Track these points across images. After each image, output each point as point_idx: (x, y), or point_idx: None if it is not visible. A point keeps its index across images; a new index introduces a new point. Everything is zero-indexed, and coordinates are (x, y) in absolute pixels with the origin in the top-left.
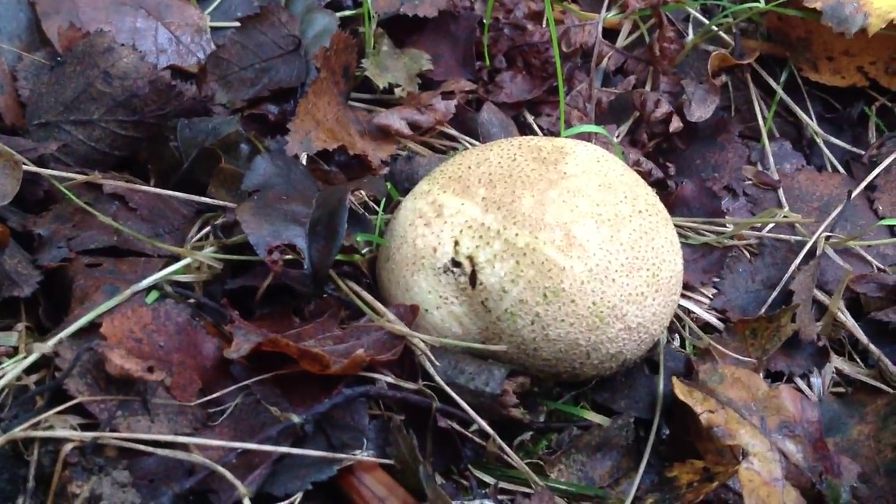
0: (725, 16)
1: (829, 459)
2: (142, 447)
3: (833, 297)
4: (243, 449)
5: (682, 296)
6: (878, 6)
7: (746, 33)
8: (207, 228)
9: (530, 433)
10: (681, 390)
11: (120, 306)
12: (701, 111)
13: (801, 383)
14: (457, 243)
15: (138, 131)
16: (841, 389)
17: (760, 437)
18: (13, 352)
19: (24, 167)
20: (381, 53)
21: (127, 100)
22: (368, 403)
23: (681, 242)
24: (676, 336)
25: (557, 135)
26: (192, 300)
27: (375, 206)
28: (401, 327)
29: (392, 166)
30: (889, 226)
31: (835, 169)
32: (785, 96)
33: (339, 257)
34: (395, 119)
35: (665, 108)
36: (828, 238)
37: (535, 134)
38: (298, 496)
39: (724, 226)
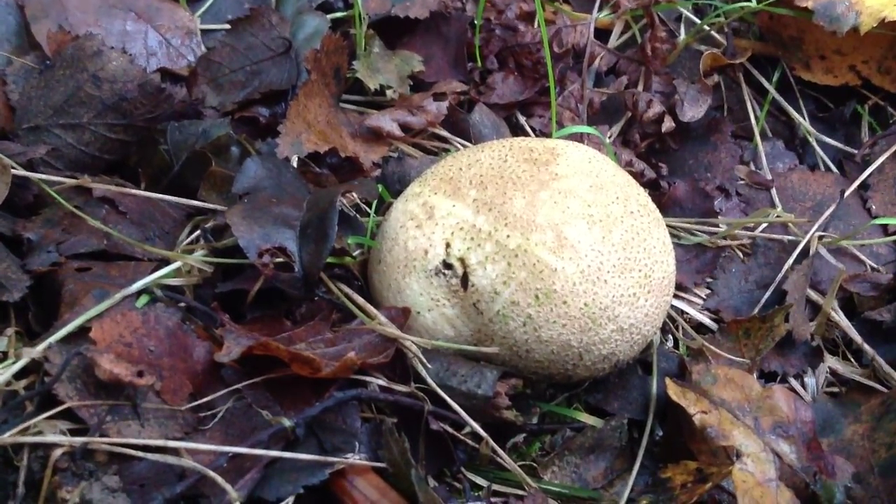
0: (717, 15)
1: (824, 459)
2: (132, 452)
3: (826, 296)
4: (234, 453)
5: (675, 296)
6: (869, 5)
7: (738, 33)
8: (198, 232)
9: (523, 435)
10: (674, 391)
11: (110, 311)
12: (693, 111)
13: (795, 383)
14: (448, 245)
15: (128, 135)
16: (835, 389)
17: (754, 437)
18: (2, 357)
19: (14, 171)
20: (372, 55)
21: (116, 103)
22: (360, 406)
23: (673, 243)
24: (669, 337)
25: (549, 136)
26: (182, 304)
27: (367, 208)
28: (392, 330)
29: (383, 168)
30: (882, 225)
31: (827, 168)
32: (777, 96)
33: (330, 260)
34: (386, 121)
35: (657, 108)
36: (821, 237)
37: (527, 135)
38: (290, 500)
39: (717, 226)
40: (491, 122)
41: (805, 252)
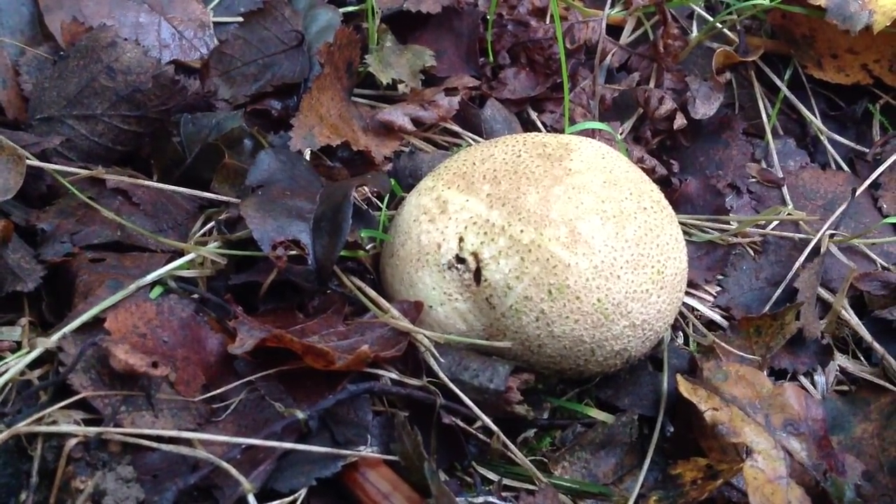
0: (729, 13)
1: (834, 457)
2: (146, 442)
3: (837, 294)
4: (247, 444)
5: (686, 293)
6: (882, 4)
7: (750, 30)
8: (211, 224)
9: (534, 430)
10: (685, 388)
11: (124, 301)
12: (705, 108)
13: (805, 381)
14: (461, 239)
15: (141, 126)
16: (844, 387)
17: (765, 434)
18: (16, 346)
19: (28, 162)
20: (384, 49)
21: (130, 95)
22: (372, 400)
23: (685, 240)
24: (680, 333)
25: (561, 131)
26: (195, 295)
27: (378, 203)
28: (405, 323)
29: (395, 162)
30: (893, 224)
31: (839, 167)
32: (789, 94)
33: (343, 253)
34: (398, 115)
35: (669, 105)
36: (832, 236)
37: (539, 130)
38: (303, 492)
39: (728, 223)
40: (503, 117)
41: (816, 250)
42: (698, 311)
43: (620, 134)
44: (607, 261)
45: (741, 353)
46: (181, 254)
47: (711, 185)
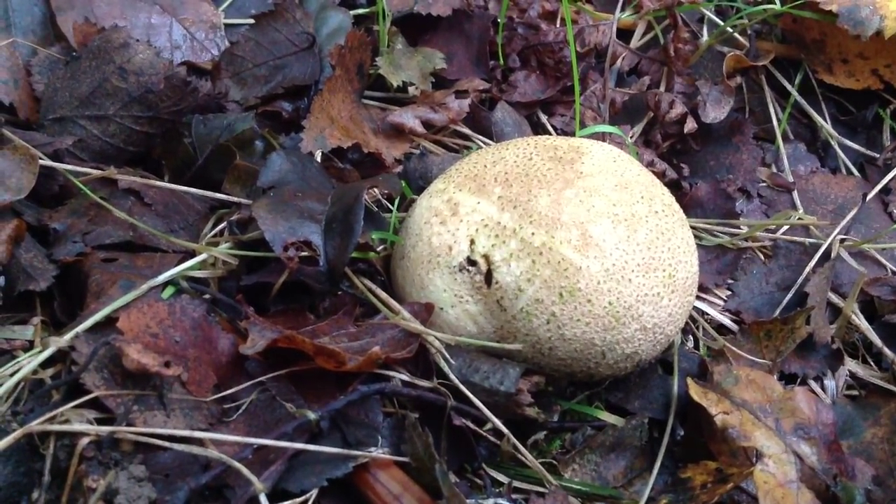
0: (740, 17)
1: (844, 462)
2: (158, 442)
3: (847, 299)
4: (259, 445)
5: (697, 297)
6: (894, 9)
7: (761, 35)
8: (222, 224)
9: (544, 432)
10: (695, 391)
11: (136, 301)
12: (715, 112)
13: (815, 386)
14: (472, 242)
15: (153, 127)
16: (854, 392)
17: (775, 438)
18: (29, 345)
19: (40, 162)
20: (394, 52)
21: (142, 95)
22: (383, 401)
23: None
24: (690, 337)
25: (572, 134)
26: (207, 296)
27: (389, 204)
28: (416, 325)
29: (405, 164)
30: None
31: (849, 171)
32: (799, 98)
33: (354, 254)
34: (408, 117)
35: (679, 108)
36: (842, 241)
37: (549, 133)
38: (314, 493)
39: (739, 227)
40: (513, 120)
41: (826, 255)
42: (708, 314)
43: (631, 137)
44: (619, 264)
45: (751, 357)
46: (193, 254)
47: (722, 189)
